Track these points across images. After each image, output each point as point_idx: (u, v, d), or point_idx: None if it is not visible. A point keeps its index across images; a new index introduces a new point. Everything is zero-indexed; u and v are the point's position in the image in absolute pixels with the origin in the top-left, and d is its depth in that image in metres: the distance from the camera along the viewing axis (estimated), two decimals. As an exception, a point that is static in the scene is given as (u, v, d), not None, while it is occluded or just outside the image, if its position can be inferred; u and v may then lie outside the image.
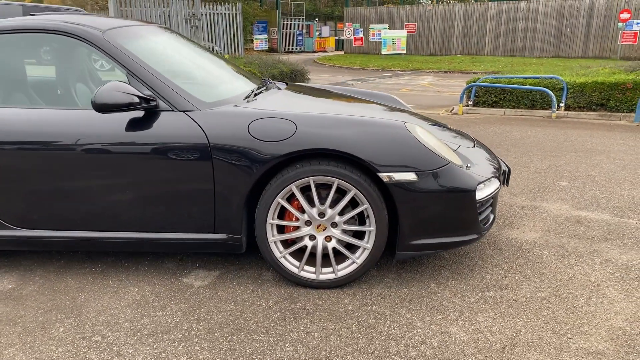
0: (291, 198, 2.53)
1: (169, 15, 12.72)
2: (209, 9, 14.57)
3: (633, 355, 2.05)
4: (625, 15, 23.94)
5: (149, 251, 2.96)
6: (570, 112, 7.73)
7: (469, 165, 2.63)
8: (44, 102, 3.00)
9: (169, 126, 2.47)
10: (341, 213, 2.52)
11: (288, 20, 37.18)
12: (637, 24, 24.16)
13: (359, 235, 2.59)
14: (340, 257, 2.60)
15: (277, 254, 2.56)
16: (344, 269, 2.58)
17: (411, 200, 2.43)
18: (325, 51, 38.90)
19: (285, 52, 35.57)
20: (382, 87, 14.44)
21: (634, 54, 24.61)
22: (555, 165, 4.93)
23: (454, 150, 2.73)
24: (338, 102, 3.34)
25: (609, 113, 7.51)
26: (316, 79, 14.34)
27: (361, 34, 32.53)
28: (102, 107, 2.34)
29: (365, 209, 2.46)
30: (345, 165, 2.43)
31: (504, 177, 2.92)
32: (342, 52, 34.50)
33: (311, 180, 2.44)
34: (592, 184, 4.33)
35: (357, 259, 2.55)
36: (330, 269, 2.58)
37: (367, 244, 2.52)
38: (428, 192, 2.43)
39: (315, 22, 40.46)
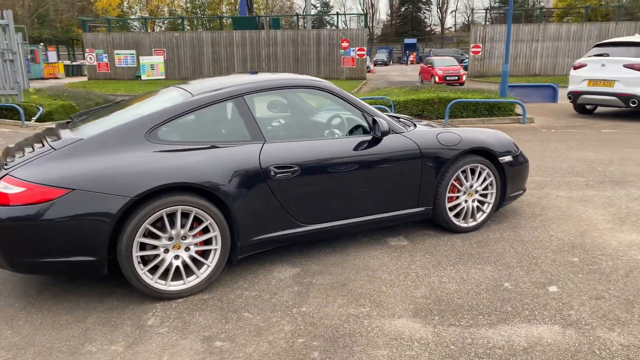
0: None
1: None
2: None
3: (612, 208, 4.44)
4: (345, 44, 29.55)
5: (377, 228, 4.17)
6: (400, 122, 10.57)
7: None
8: (310, 135, 3.91)
9: (393, 143, 3.88)
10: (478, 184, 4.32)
11: (10, 45, 33.23)
12: (353, 50, 30.07)
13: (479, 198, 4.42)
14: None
15: (450, 216, 4.20)
16: (480, 218, 4.37)
17: (510, 171, 4.39)
18: (56, 77, 36.05)
19: (11, 80, 31.90)
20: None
21: (354, 74, 30.59)
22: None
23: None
24: (436, 122, 4.94)
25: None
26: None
27: (106, 60, 31.66)
28: (384, 134, 3.67)
29: (492, 180, 4.32)
30: (483, 156, 4.24)
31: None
32: (80, 79, 32.78)
33: (468, 167, 4.18)
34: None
35: (486, 210, 4.38)
36: (472, 219, 4.34)
37: (490, 201, 4.37)
38: (515, 165, 4.43)
39: (40, 46, 37.09)
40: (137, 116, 3.31)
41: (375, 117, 3.80)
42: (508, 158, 4.35)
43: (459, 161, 4.13)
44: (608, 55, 10.46)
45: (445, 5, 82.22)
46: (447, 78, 23.06)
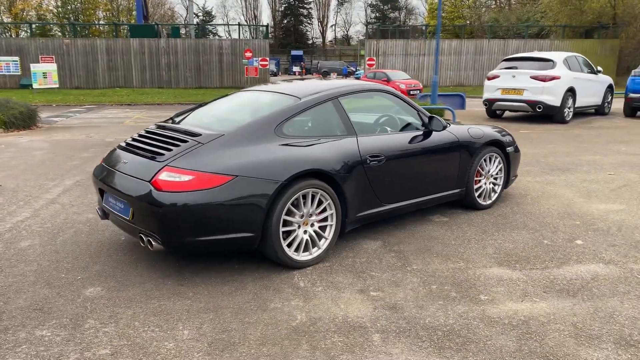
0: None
1: None
2: None
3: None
4: (248, 54, 30.06)
5: (428, 207, 4.95)
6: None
7: (509, 142, 5.85)
8: (381, 130, 4.65)
9: (442, 136, 4.76)
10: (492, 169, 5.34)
11: None
12: (257, 61, 30.69)
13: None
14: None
15: (475, 196, 5.17)
16: (493, 197, 5.39)
17: (512, 158, 5.48)
18: None
19: None
20: (102, 120, 14.98)
21: (257, 84, 31.15)
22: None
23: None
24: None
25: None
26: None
27: (-16, 67, 29.01)
28: (444, 128, 4.53)
29: (502, 166, 5.37)
30: (496, 146, 5.28)
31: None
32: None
33: (487, 155, 5.19)
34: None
35: (497, 191, 5.42)
36: (489, 199, 5.35)
37: (500, 183, 5.42)
38: (515, 153, 5.54)
39: None
40: (244, 115, 3.97)
41: (432, 116, 4.67)
42: (511, 148, 5.44)
43: (482, 151, 5.11)
44: (517, 69, 12.34)
45: (325, 19, 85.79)
46: (411, 92, 21.75)
